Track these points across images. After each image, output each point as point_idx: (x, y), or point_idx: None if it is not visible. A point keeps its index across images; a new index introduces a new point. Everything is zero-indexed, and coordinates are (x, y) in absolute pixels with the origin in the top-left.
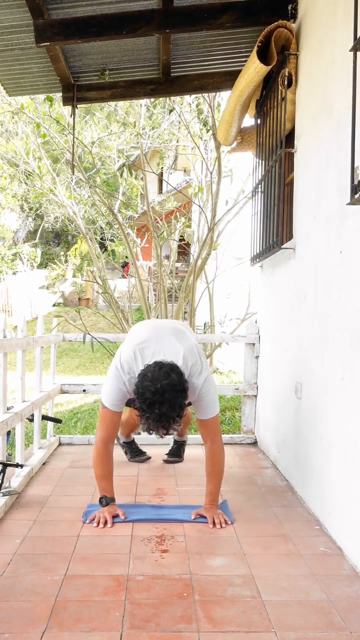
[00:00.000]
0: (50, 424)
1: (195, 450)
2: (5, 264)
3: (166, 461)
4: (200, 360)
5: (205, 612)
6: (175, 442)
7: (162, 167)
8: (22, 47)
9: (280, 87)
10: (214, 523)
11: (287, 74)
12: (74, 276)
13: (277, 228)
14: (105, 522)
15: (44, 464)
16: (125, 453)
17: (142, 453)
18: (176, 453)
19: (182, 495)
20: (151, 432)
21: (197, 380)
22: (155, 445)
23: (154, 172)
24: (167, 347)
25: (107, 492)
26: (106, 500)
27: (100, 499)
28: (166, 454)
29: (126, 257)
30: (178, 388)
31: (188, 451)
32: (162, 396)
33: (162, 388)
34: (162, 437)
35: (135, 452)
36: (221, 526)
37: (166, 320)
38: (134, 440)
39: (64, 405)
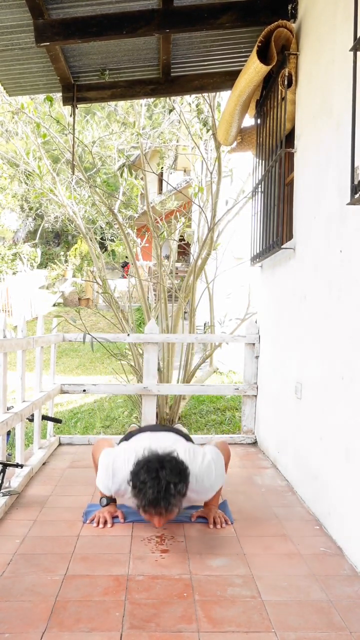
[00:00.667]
0: (50, 424)
1: None
2: (5, 264)
3: None
4: (198, 451)
5: (205, 612)
6: None
7: (162, 167)
8: (22, 47)
9: (280, 87)
10: (214, 523)
11: (287, 74)
12: (74, 276)
13: (277, 228)
14: (105, 522)
15: (44, 464)
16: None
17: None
18: None
19: None
20: (148, 510)
21: (197, 467)
22: None
23: (154, 172)
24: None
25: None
26: (106, 501)
27: (101, 499)
28: None
29: (126, 257)
30: (179, 460)
31: None
32: (161, 462)
33: (161, 457)
34: (160, 517)
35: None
36: (221, 526)
37: (163, 433)
38: None
39: (64, 405)
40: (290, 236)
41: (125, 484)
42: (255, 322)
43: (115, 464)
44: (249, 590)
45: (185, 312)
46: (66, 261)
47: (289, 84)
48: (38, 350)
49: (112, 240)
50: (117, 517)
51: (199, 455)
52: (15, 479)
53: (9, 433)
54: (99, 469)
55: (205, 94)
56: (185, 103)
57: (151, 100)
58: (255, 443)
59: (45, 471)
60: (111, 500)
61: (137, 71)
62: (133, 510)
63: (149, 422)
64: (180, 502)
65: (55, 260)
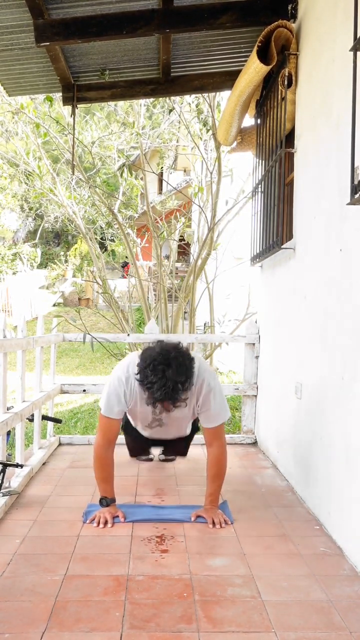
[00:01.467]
0: (50, 424)
1: (195, 450)
2: (5, 264)
3: (164, 460)
4: (209, 370)
5: (205, 612)
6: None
7: (162, 167)
8: (22, 47)
9: (280, 87)
10: (213, 523)
11: (287, 74)
12: (74, 276)
13: (277, 228)
14: (106, 522)
15: (44, 464)
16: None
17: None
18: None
19: (182, 495)
20: (156, 405)
21: (204, 384)
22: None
23: (154, 172)
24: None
25: (107, 494)
26: (107, 502)
27: (101, 499)
28: (162, 453)
29: (126, 257)
30: (184, 353)
31: (197, 450)
32: (167, 357)
33: (167, 350)
34: (168, 411)
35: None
36: (221, 526)
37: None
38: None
39: (64, 405)
40: (290, 236)
41: (135, 388)
42: (255, 322)
43: (120, 375)
44: (249, 590)
45: (185, 312)
46: (66, 261)
47: (289, 84)
48: (38, 350)
49: (112, 240)
50: (117, 517)
51: (205, 370)
52: (15, 479)
53: (9, 433)
54: (106, 392)
55: (205, 94)
56: (185, 103)
57: (150, 100)
58: (255, 443)
59: (45, 471)
60: (111, 501)
61: (137, 71)
62: (133, 510)
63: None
64: (187, 393)
65: (55, 260)
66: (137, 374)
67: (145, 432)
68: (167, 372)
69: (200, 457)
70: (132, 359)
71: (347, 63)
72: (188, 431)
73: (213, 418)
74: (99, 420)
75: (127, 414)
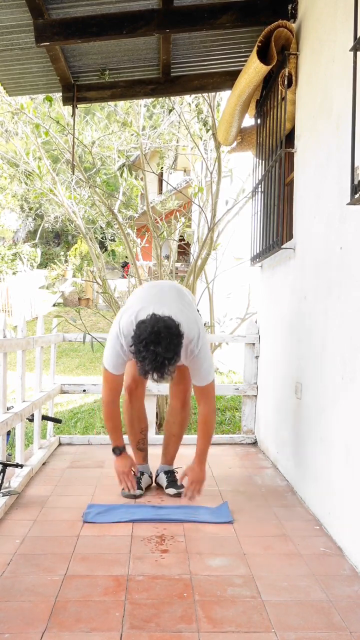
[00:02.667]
0: (50, 424)
1: (194, 451)
2: (5, 264)
3: (174, 495)
4: (199, 329)
5: (205, 612)
6: (167, 472)
7: (162, 167)
8: (22, 47)
9: (280, 87)
10: (186, 494)
11: (287, 74)
12: (74, 276)
13: (277, 228)
14: (129, 479)
15: (44, 464)
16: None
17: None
18: (175, 484)
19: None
20: (147, 375)
21: (194, 348)
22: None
23: (154, 172)
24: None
25: (117, 443)
26: (119, 450)
27: (113, 449)
28: (167, 489)
29: (126, 257)
30: (174, 332)
31: (188, 451)
32: (157, 336)
33: (158, 330)
34: (155, 381)
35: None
36: (193, 494)
37: (167, 283)
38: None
39: (64, 405)
40: (290, 236)
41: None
42: (255, 322)
43: (123, 331)
44: (249, 590)
45: None
46: (66, 261)
47: (289, 84)
48: (38, 350)
49: (112, 240)
50: (134, 475)
51: (194, 333)
52: (15, 479)
53: (9, 433)
54: (108, 344)
55: (205, 94)
56: (185, 103)
57: (150, 100)
58: (255, 443)
59: (45, 471)
60: (123, 449)
61: (137, 71)
62: (133, 510)
63: (149, 421)
64: (175, 366)
65: (55, 260)
66: (131, 346)
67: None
68: (157, 349)
69: None
70: (127, 319)
71: (347, 63)
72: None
73: (201, 378)
74: (103, 373)
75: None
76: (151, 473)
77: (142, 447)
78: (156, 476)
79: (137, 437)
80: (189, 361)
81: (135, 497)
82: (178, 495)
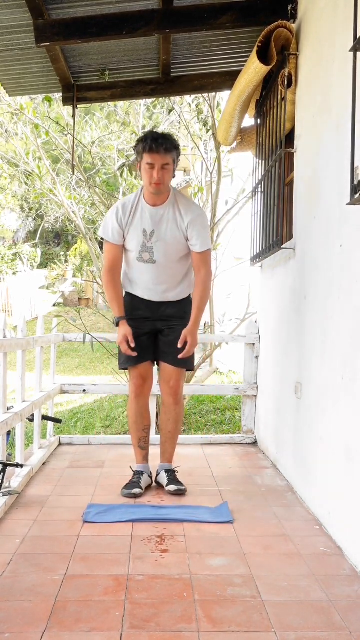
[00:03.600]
0: (50, 424)
1: (195, 450)
2: (5, 264)
3: (174, 492)
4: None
5: (205, 612)
6: (167, 471)
7: None
8: (22, 47)
9: (280, 87)
10: (184, 345)
11: (287, 74)
12: (74, 276)
13: (277, 228)
14: (129, 346)
15: (44, 464)
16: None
17: (136, 487)
18: (176, 481)
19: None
20: (152, 150)
21: (196, 207)
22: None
23: None
24: None
25: (118, 313)
26: (118, 319)
27: (114, 320)
28: (168, 487)
29: None
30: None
31: (188, 451)
32: (156, 134)
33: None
34: (158, 161)
35: (130, 485)
36: (187, 350)
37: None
38: (137, 474)
39: (64, 405)
40: (290, 236)
41: (128, 208)
42: (255, 322)
43: (116, 204)
44: (249, 590)
45: None
46: (66, 261)
47: (289, 84)
48: (38, 350)
49: None
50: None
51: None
52: (15, 479)
53: (9, 433)
54: (105, 218)
55: (205, 94)
56: (185, 103)
57: (150, 100)
58: (255, 443)
59: (45, 471)
60: (122, 318)
61: (137, 71)
62: (133, 510)
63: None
64: (175, 159)
65: (55, 260)
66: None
67: (138, 274)
68: (154, 133)
69: (200, 457)
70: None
71: (347, 63)
72: (181, 277)
73: (202, 244)
74: (104, 246)
75: (124, 260)
76: (151, 473)
77: (143, 445)
78: (156, 475)
79: (139, 435)
80: (192, 223)
81: (135, 496)
82: (179, 492)
